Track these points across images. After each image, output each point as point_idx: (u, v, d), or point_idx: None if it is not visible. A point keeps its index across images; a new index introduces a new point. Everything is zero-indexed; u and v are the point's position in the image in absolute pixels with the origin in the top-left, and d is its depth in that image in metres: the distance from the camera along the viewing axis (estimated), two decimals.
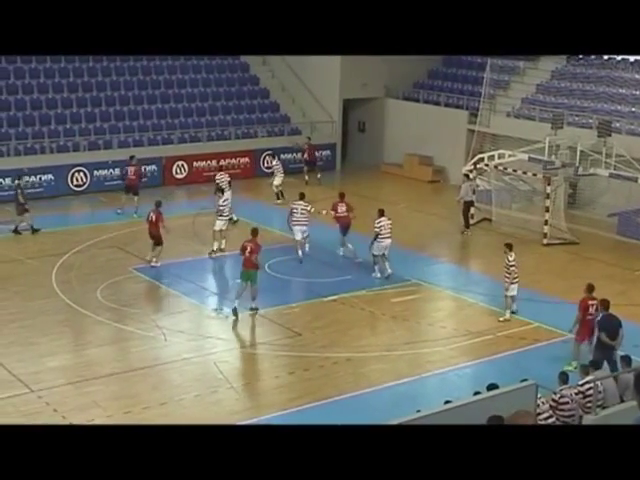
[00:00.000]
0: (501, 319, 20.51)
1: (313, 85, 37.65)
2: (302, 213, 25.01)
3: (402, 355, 18.74)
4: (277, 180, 31.17)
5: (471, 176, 28.79)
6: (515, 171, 28.74)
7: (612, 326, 16.99)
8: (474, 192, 28.52)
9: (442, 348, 19.17)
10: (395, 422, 10.90)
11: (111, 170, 32.29)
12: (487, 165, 29.44)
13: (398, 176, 35.69)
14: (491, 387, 13.36)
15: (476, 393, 13.80)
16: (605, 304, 17.26)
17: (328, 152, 37.17)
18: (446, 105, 36.44)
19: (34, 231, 26.45)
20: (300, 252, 24.52)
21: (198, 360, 18.22)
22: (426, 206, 28.26)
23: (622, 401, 14.40)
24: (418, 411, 12.73)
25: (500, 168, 29.09)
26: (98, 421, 15.49)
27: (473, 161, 29.90)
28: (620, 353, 16.38)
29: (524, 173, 28.50)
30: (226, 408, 16.11)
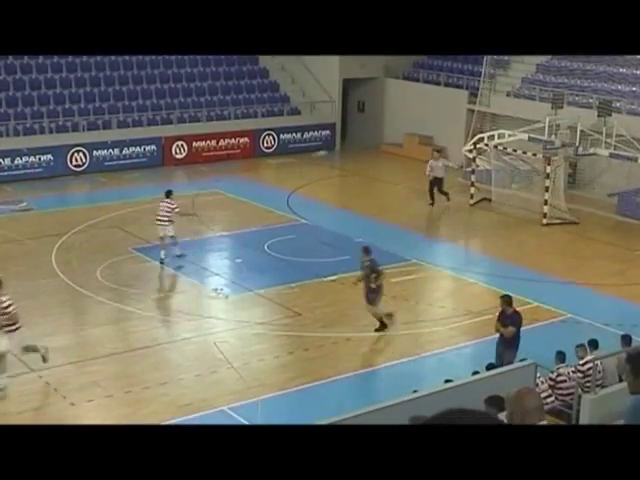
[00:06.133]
0: None
1: (313, 65, 37.54)
2: (166, 211, 22.36)
3: (401, 335, 18.78)
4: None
5: (435, 155, 29.03)
6: (515, 151, 28.70)
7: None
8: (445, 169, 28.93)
9: (442, 328, 19.20)
10: (393, 402, 10.94)
11: (110, 150, 32.24)
12: (487, 145, 29.40)
13: (398, 156, 35.65)
14: (490, 367, 13.41)
15: (475, 373, 13.84)
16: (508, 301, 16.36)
17: (328, 132, 37.10)
18: (446, 85, 36.33)
19: None
20: (177, 251, 22.69)
21: (198, 340, 18.25)
22: (426, 186, 28.23)
23: (621, 380, 14.45)
24: (415, 391, 12.78)
25: (500, 148, 29.05)
26: (98, 401, 15.56)
27: (473, 141, 29.86)
28: (620, 332, 16.41)
29: (524, 153, 28.46)
30: (226, 388, 16.16)
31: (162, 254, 22.35)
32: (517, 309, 16.37)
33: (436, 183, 28.45)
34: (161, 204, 22.58)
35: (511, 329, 15.71)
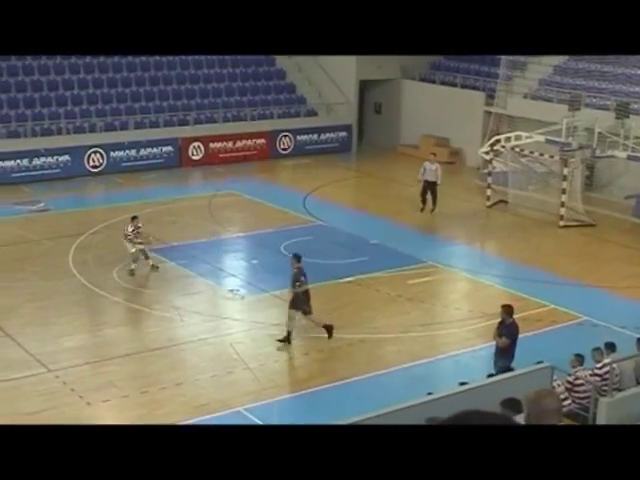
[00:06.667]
0: None
1: (329, 66, 37.54)
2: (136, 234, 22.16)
3: (417, 337, 18.76)
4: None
5: (431, 157, 28.28)
6: (532, 153, 28.63)
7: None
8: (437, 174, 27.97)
9: (457, 330, 19.17)
10: (408, 404, 10.94)
11: (127, 151, 32.36)
12: (504, 147, 29.32)
13: (414, 157, 35.56)
14: (505, 370, 13.37)
15: (490, 375, 13.84)
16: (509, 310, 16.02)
17: (344, 133, 37.11)
18: (463, 86, 36.27)
19: None
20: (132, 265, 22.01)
21: (214, 341, 18.28)
22: (442, 187, 28.16)
23: (638, 383, 14.41)
24: (430, 393, 12.77)
25: (517, 150, 28.98)
26: (114, 401, 15.61)
27: (490, 142, 29.79)
28: (636, 335, 16.34)
29: (541, 155, 28.38)
30: (242, 389, 16.18)
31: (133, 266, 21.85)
32: (516, 320, 16.03)
33: (429, 187, 27.82)
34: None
35: (504, 340, 15.46)
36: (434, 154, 28.93)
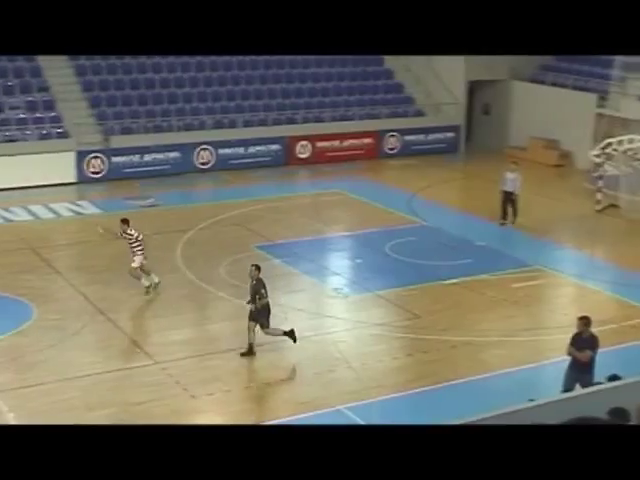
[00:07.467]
0: None
1: (438, 66, 37.31)
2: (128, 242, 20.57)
3: (522, 341, 18.51)
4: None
5: (512, 167, 26.44)
6: None
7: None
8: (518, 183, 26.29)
9: (564, 336, 18.71)
10: (509, 410, 10.75)
11: (235, 149, 32.77)
12: (616, 150, 28.66)
13: (522, 159, 34.95)
14: (613, 378, 13.05)
15: (596, 384, 13.50)
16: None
17: (452, 134, 36.85)
18: (574, 88, 35.58)
19: None
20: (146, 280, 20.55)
21: (317, 339, 18.38)
22: (550, 191, 27.74)
23: None
24: (532, 400, 12.55)
25: (630, 153, 28.29)
26: (218, 395, 15.84)
27: (601, 145, 29.16)
28: None
29: None
30: (344, 387, 16.22)
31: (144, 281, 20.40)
32: (594, 332, 15.45)
33: (507, 198, 26.32)
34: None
35: (588, 353, 14.81)
36: (515, 163, 27.17)
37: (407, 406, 15.69)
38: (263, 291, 17.24)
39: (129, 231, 20.21)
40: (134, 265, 20.17)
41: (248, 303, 17.41)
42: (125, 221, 20.42)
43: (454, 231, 25.75)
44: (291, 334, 17.69)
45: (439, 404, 15.48)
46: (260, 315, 17.23)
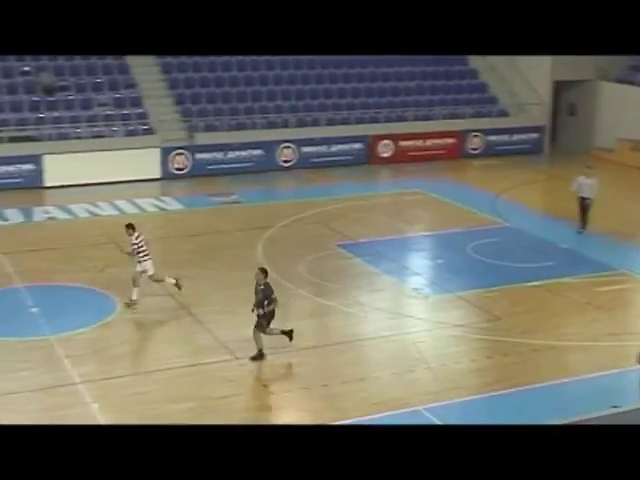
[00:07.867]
0: None
1: (524, 66, 36.89)
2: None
3: (606, 346, 18.17)
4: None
5: (586, 171, 25.41)
6: None
7: None
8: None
9: None
10: (589, 416, 10.58)
11: (318, 147, 32.88)
12: None
13: (608, 161, 34.50)
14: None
15: None
16: None
17: (536, 135, 36.40)
18: None
19: None
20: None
21: (396, 338, 18.32)
22: (638, 193, 27.18)
23: None
24: (615, 406, 12.31)
25: None
26: (296, 392, 15.90)
27: None
28: None
29: None
30: (422, 388, 16.14)
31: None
32: None
33: (583, 204, 25.29)
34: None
35: None
36: (589, 167, 26.03)
37: (486, 409, 15.53)
38: (274, 296, 16.79)
39: (134, 240, 19.12)
40: (150, 273, 19.33)
41: (253, 310, 16.92)
42: (130, 226, 19.31)
43: (537, 233, 25.43)
44: (289, 334, 17.50)
45: (518, 407, 15.29)
46: (263, 319, 16.91)
